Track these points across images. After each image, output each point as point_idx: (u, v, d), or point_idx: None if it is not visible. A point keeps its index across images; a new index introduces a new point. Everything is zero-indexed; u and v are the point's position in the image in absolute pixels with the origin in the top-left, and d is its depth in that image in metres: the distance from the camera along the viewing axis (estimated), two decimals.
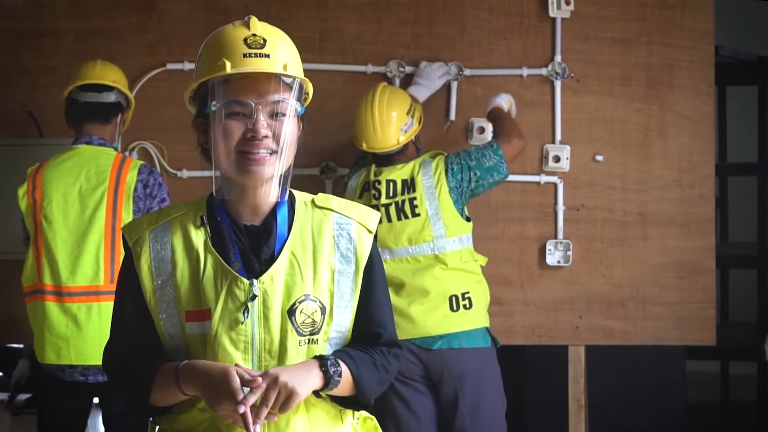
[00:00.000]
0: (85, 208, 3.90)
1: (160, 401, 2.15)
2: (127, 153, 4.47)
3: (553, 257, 4.54)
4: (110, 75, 4.11)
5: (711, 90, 4.56)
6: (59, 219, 3.90)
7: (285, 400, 2.06)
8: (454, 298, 4.06)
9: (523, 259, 4.57)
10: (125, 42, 4.67)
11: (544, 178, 4.57)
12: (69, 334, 3.85)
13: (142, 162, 4.04)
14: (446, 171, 4.10)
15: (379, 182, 4.13)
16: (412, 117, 4.18)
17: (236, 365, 2.09)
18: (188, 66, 4.63)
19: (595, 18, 4.57)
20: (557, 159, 4.55)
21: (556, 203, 4.57)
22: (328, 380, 2.13)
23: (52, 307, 3.87)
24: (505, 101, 4.38)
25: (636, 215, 4.55)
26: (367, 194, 4.15)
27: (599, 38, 4.57)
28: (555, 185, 4.57)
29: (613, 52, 4.56)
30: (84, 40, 4.68)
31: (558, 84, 4.57)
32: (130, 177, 3.93)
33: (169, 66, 4.67)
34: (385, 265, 3.96)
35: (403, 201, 4.09)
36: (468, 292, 4.08)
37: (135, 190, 3.92)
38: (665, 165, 4.54)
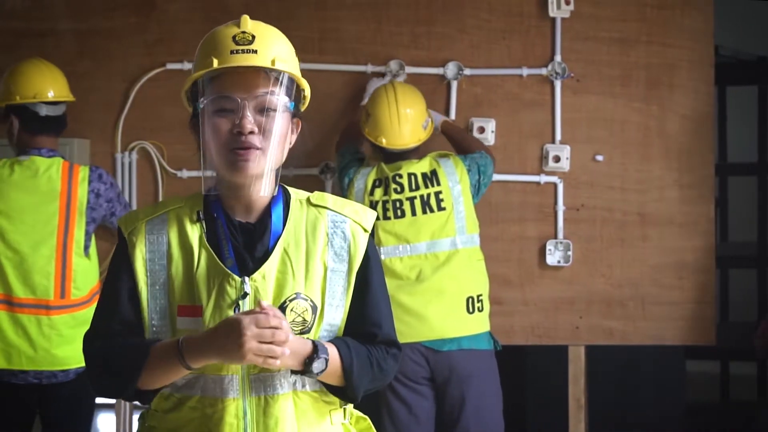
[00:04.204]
0: (36, 222, 3.90)
1: (150, 383, 2.12)
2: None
3: (553, 257, 4.54)
4: (64, 88, 4.10)
5: (711, 90, 4.56)
6: (10, 231, 3.89)
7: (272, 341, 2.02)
8: (470, 300, 4.06)
9: (523, 259, 4.57)
10: (125, 42, 4.67)
11: (544, 178, 4.56)
12: (19, 344, 3.88)
13: (88, 167, 4.02)
14: (466, 169, 4.12)
15: (400, 176, 4.11)
16: (428, 114, 4.21)
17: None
18: (188, 66, 4.62)
19: (595, 18, 4.56)
20: (557, 159, 4.54)
21: (556, 203, 4.56)
22: (305, 370, 2.10)
23: (2, 315, 3.89)
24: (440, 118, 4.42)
25: (636, 215, 4.54)
26: (379, 190, 4.11)
27: (599, 38, 4.56)
28: (555, 185, 4.56)
29: (613, 52, 4.55)
30: (83, 40, 4.68)
31: (558, 84, 4.56)
32: (81, 192, 3.94)
33: (169, 66, 4.67)
34: (400, 263, 4.04)
35: (428, 194, 4.08)
36: (481, 295, 4.10)
37: (88, 202, 3.94)
38: (665, 165, 4.54)
